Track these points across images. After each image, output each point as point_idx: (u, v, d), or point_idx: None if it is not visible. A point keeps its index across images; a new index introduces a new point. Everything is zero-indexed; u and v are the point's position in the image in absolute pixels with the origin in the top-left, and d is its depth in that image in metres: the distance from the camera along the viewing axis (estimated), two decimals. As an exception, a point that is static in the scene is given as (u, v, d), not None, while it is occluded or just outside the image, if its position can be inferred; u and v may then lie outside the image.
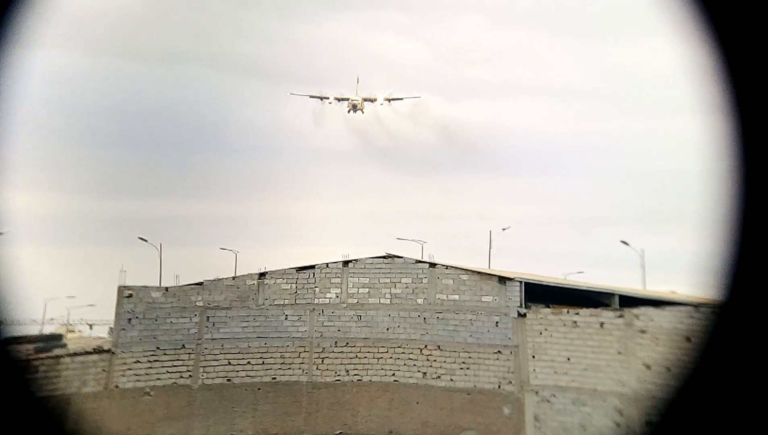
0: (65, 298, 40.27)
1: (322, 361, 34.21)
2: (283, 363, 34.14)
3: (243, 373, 34.07)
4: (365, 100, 61.62)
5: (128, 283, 34.70)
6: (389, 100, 61.31)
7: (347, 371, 33.77)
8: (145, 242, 40.93)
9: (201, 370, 33.93)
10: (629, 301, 30.73)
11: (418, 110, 65.45)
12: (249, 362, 34.17)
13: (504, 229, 44.64)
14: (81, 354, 32.54)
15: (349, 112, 62.25)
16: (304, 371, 34.05)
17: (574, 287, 33.43)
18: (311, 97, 61.80)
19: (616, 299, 31.42)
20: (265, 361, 34.19)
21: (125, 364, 33.19)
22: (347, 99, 61.68)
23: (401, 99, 61.54)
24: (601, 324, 29.23)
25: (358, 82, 64.14)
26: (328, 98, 61.77)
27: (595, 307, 30.44)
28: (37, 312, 40.81)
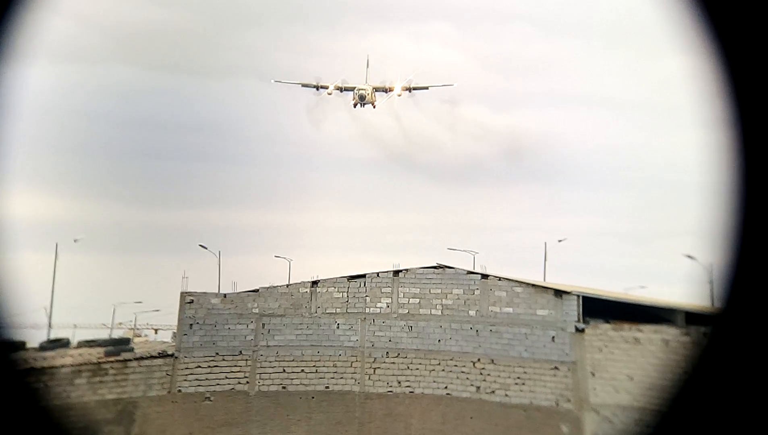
0: (133, 303, 41.56)
1: (374, 371, 33.44)
2: (335, 372, 33.63)
3: (297, 381, 33.79)
4: (377, 90, 44.63)
5: (190, 290, 35.25)
6: (410, 90, 44.23)
7: (399, 382, 32.85)
8: (205, 250, 41.60)
9: (257, 376, 33.88)
10: (697, 319, 28.32)
11: (454, 113, 51.71)
12: (303, 370, 33.85)
13: (560, 241, 42.36)
14: (147, 358, 33.13)
15: (355, 105, 44.98)
16: (357, 381, 33.39)
17: (636, 302, 31.17)
18: (303, 86, 44.91)
19: (682, 316, 29.00)
20: (319, 369, 33.78)
21: (187, 368, 33.56)
22: (352, 88, 44.59)
23: (426, 88, 44.23)
24: (666, 342, 27.03)
25: (368, 65, 45.70)
26: (326, 87, 44.59)
27: (659, 324, 28.22)
28: (107, 316, 42.33)
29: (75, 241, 40.05)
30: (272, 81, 47.71)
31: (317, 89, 45.16)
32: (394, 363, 33.14)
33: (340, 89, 45.12)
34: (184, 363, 33.61)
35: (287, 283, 36.33)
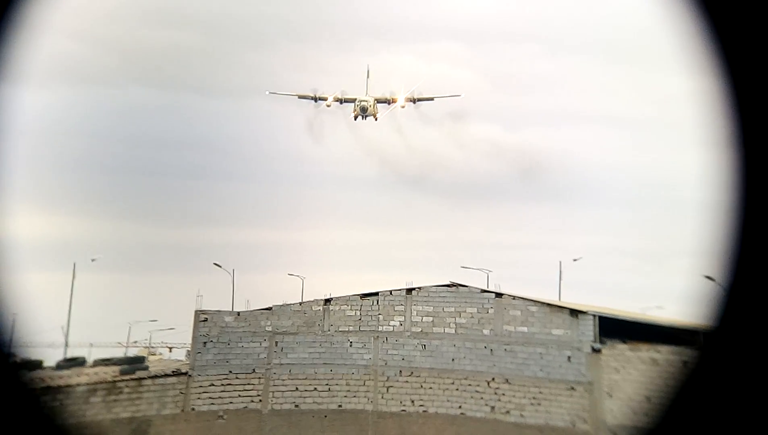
0: (148, 321, 41.83)
1: (387, 390, 33.12)
2: (348, 391, 33.36)
3: (310, 400, 33.56)
4: (379, 101, 42.97)
5: (204, 308, 35.41)
6: (414, 101, 42.62)
7: (413, 401, 32.45)
8: (219, 268, 41.85)
9: (270, 395, 33.74)
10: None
11: (462, 127, 49.29)
12: (316, 389, 33.64)
13: (575, 260, 41.82)
14: (161, 376, 33.19)
15: (356, 118, 42.95)
16: (370, 400, 33.06)
17: (653, 323, 30.56)
18: (300, 97, 42.97)
19: (701, 338, 28.31)
20: (331, 388, 33.54)
21: (201, 386, 33.55)
22: (353, 100, 42.67)
23: (431, 99, 42.67)
24: (685, 363, 26.41)
25: (368, 75, 43.56)
26: (325, 99, 42.62)
27: (677, 345, 27.58)
28: (123, 335, 42.62)
29: (93, 260, 40.54)
30: (267, 93, 46.24)
31: (315, 101, 42.93)
32: (407, 382, 32.78)
33: (340, 101, 43.06)
34: (198, 381, 33.59)
35: (300, 300, 36.32)
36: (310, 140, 48.06)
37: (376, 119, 43.33)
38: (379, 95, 43.37)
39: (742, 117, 4.46)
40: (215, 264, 41.61)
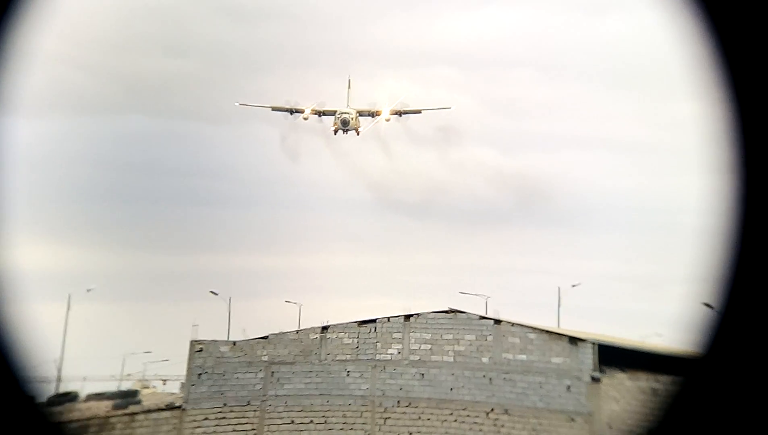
0: (142, 353, 41.20)
1: (385, 421, 32.47)
2: (345, 422, 32.69)
3: (306, 433, 32.85)
4: (361, 114, 39.90)
5: (200, 337, 34.95)
6: (400, 114, 39.47)
7: (410, 434, 31.85)
8: (215, 296, 41.52)
9: (266, 428, 33.09)
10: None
11: (453, 143, 46.13)
12: (312, 421, 32.96)
13: (574, 286, 41.72)
14: (154, 410, 32.56)
15: (336, 132, 39.72)
16: (367, 432, 32.38)
17: (653, 351, 30.30)
18: (274, 109, 39.54)
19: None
20: (328, 420, 32.87)
21: (195, 421, 32.85)
22: (333, 112, 39.55)
23: (419, 112, 39.39)
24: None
25: (349, 86, 40.61)
26: (301, 111, 39.38)
27: (678, 374, 27.33)
28: (116, 367, 41.92)
29: (88, 290, 40.17)
30: (236, 104, 42.83)
31: (291, 113, 39.47)
32: (405, 413, 32.20)
33: (319, 113, 39.66)
34: (192, 415, 32.92)
35: (297, 328, 35.90)
36: (285, 157, 45.08)
37: (358, 133, 40.20)
38: (362, 107, 40.06)
39: (746, 143, 4.47)
40: (211, 292, 41.31)
